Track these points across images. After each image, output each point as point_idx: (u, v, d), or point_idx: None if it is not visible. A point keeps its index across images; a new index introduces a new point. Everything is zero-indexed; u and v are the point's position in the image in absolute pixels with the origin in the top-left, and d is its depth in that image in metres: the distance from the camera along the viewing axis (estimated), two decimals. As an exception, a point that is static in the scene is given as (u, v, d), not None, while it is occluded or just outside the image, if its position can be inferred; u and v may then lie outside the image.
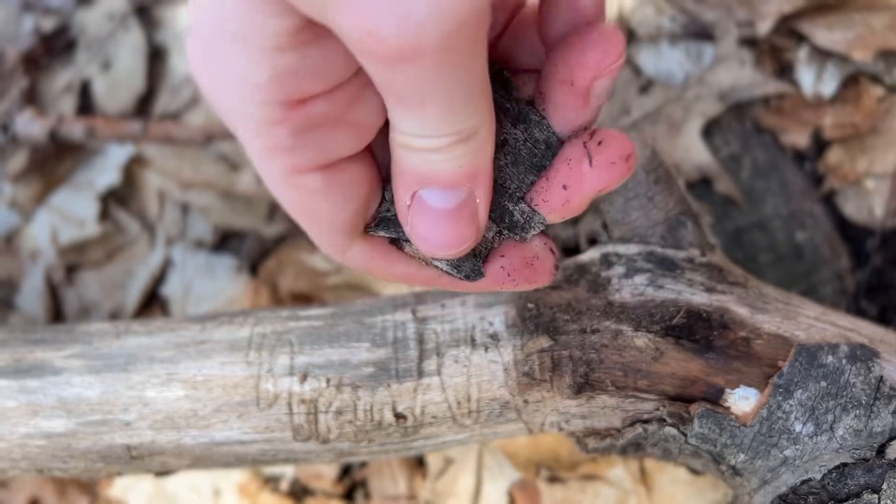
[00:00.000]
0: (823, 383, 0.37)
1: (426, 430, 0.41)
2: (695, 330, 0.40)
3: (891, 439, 0.36)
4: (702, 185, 0.59)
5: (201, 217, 0.66)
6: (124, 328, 0.44)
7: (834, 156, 0.58)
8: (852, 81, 0.58)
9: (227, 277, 0.64)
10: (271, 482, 0.60)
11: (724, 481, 0.41)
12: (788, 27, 0.59)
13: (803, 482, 0.37)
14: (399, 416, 0.41)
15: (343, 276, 0.62)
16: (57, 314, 0.67)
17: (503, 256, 0.31)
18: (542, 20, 0.28)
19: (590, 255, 0.43)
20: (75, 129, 0.64)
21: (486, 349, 0.40)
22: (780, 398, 0.37)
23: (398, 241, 0.30)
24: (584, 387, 0.40)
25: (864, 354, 0.38)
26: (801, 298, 0.43)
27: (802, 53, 0.59)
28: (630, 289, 0.41)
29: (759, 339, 0.39)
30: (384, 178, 0.30)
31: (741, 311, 0.40)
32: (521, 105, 0.29)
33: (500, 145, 0.29)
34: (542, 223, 0.30)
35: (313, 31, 0.23)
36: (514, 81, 0.30)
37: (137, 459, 0.43)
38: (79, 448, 0.42)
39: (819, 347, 0.38)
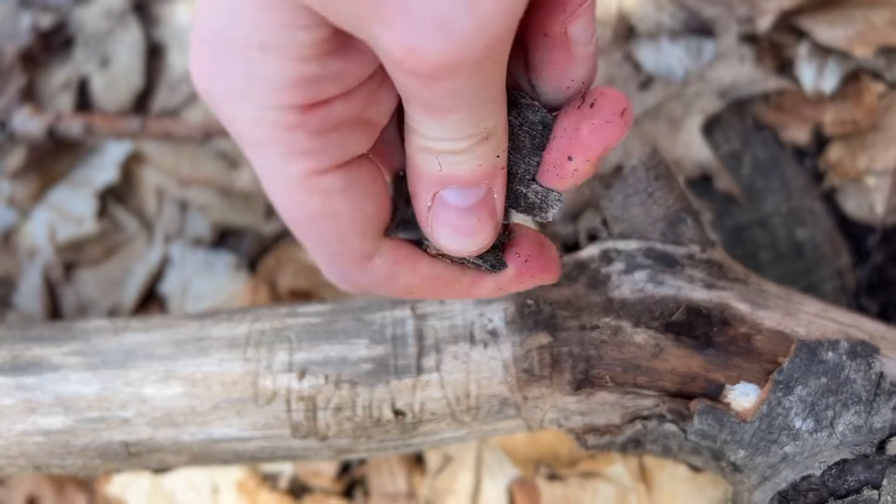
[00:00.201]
0: (824, 379, 0.37)
1: (425, 426, 0.41)
2: (695, 326, 0.39)
3: (891, 435, 0.36)
4: (702, 181, 0.58)
5: (200, 214, 0.66)
6: (122, 325, 0.44)
7: (834, 153, 0.58)
8: (853, 78, 0.58)
9: (226, 275, 0.64)
10: (270, 480, 0.60)
11: (723, 478, 0.41)
12: (789, 23, 0.59)
13: (803, 478, 0.37)
14: (398, 413, 0.41)
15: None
16: (55, 312, 0.67)
17: (516, 249, 0.32)
18: None
19: (589, 251, 0.42)
20: (73, 126, 0.64)
21: (486, 346, 0.40)
22: (781, 394, 0.37)
23: (421, 243, 0.30)
24: (584, 383, 0.40)
25: (864, 351, 0.38)
26: (802, 295, 0.43)
27: (803, 50, 0.59)
28: (630, 285, 0.40)
29: (760, 335, 0.39)
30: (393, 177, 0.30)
31: (741, 308, 0.40)
32: (508, 92, 0.29)
33: None
34: (558, 199, 0.30)
35: (339, 41, 0.23)
36: None
37: (135, 456, 0.43)
38: (77, 445, 0.42)
39: (819, 344, 0.38)
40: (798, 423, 0.37)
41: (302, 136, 0.24)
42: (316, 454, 0.43)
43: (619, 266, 0.41)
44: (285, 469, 0.59)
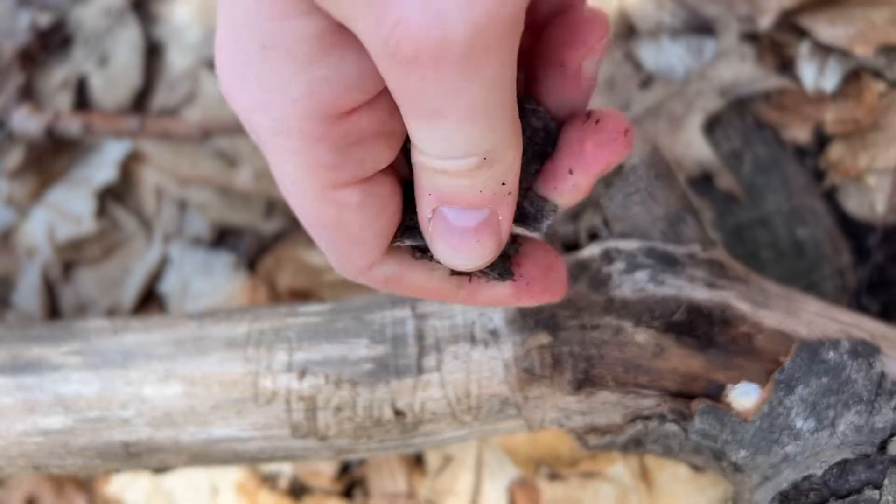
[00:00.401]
0: (825, 379, 0.37)
1: (425, 426, 0.41)
2: (696, 326, 0.39)
3: (892, 435, 0.36)
4: (703, 180, 0.58)
5: (199, 214, 0.66)
6: (122, 325, 0.44)
7: (835, 151, 0.58)
8: (854, 77, 0.58)
9: (225, 274, 0.64)
10: (269, 480, 0.59)
11: (725, 478, 0.41)
12: (790, 22, 0.59)
13: (804, 478, 0.37)
14: (398, 413, 0.40)
15: (342, 273, 0.62)
16: (54, 311, 0.67)
17: (519, 271, 0.31)
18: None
19: (590, 250, 0.42)
20: (72, 125, 0.63)
21: (486, 345, 0.40)
22: (782, 394, 0.37)
23: (425, 251, 0.29)
24: (585, 383, 0.40)
25: (865, 350, 0.37)
26: (803, 294, 0.43)
27: (804, 48, 0.59)
28: (631, 284, 0.40)
29: (761, 334, 0.39)
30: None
31: (742, 307, 0.40)
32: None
33: None
34: (553, 210, 0.29)
35: (342, 36, 0.22)
36: None
37: (135, 456, 0.43)
38: (76, 445, 0.42)
39: (821, 343, 0.38)
40: (799, 423, 0.37)
41: (324, 149, 0.24)
42: (316, 454, 0.43)
43: (619, 265, 0.41)
44: (285, 469, 0.59)
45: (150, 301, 0.66)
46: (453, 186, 0.24)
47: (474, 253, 0.27)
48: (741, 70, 0.58)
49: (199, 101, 0.69)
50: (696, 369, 0.39)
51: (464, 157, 0.23)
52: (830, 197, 0.58)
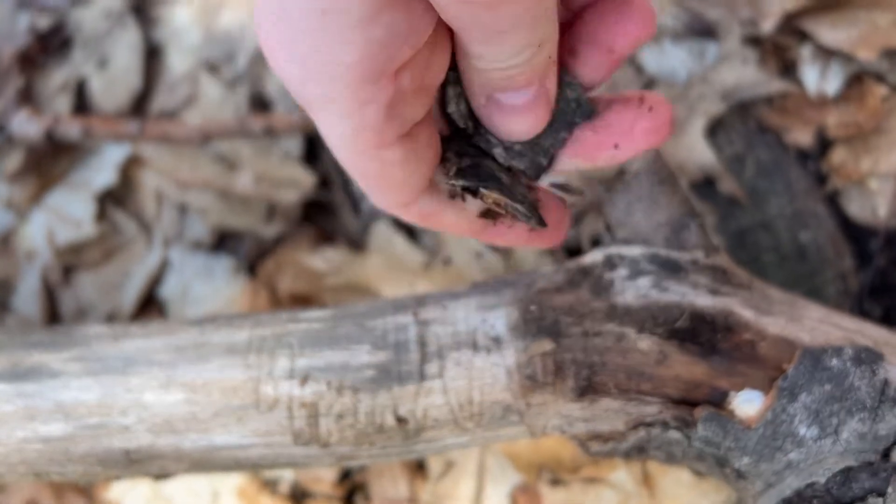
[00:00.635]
0: (828, 386, 0.37)
1: (428, 433, 0.41)
2: (699, 332, 0.39)
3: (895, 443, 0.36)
4: (705, 184, 0.58)
5: (199, 217, 0.66)
6: (122, 331, 0.44)
7: (838, 155, 0.58)
8: (856, 80, 0.58)
9: (226, 278, 0.63)
10: (270, 485, 0.59)
11: (728, 484, 0.41)
12: (792, 25, 0.59)
13: (808, 486, 0.36)
14: (400, 420, 0.40)
15: (343, 277, 0.62)
16: (53, 315, 0.66)
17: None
18: None
19: (593, 256, 0.42)
20: (72, 128, 0.63)
21: (489, 352, 0.40)
22: (785, 401, 0.37)
23: (476, 191, 0.32)
24: (587, 390, 0.39)
25: (868, 357, 0.37)
26: (806, 300, 0.42)
27: (806, 52, 0.59)
28: (633, 291, 0.40)
29: (764, 341, 0.39)
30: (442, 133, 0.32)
31: (746, 314, 0.40)
32: None
33: None
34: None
35: None
36: None
37: (136, 463, 0.42)
38: (77, 452, 0.42)
39: (824, 350, 0.37)
40: (802, 431, 0.37)
41: (372, 111, 0.25)
42: (318, 461, 0.43)
43: (622, 272, 0.41)
44: (286, 474, 0.59)
45: (150, 305, 0.66)
46: (509, 76, 0.27)
47: (529, 121, 0.30)
48: (743, 74, 0.58)
49: (199, 104, 0.69)
50: (699, 376, 0.39)
51: (523, 52, 0.26)
52: (833, 201, 0.58)
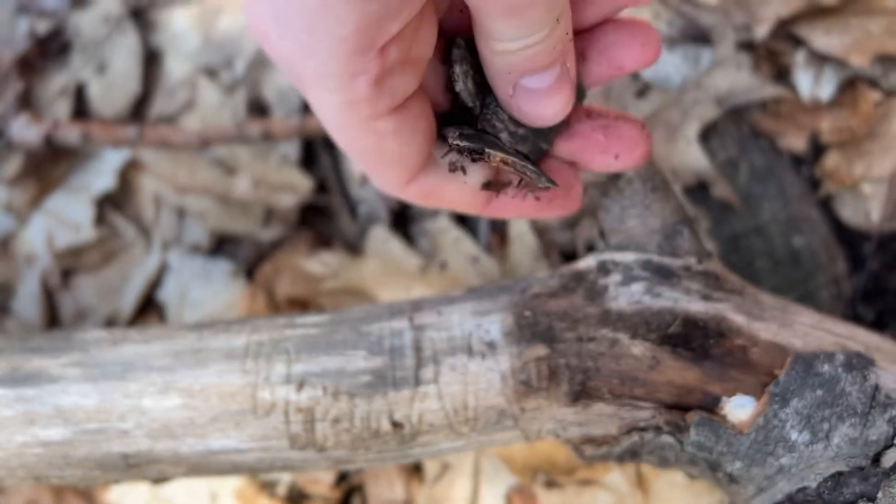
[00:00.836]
0: (819, 392, 0.37)
1: (423, 437, 0.41)
2: (691, 338, 0.40)
3: (886, 448, 0.36)
4: (699, 189, 0.59)
5: (197, 221, 0.66)
6: (121, 336, 0.44)
7: (831, 160, 0.58)
8: (850, 86, 0.58)
9: (224, 282, 0.64)
10: (268, 487, 0.60)
11: (720, 488, 0.42)
12: (786, 31, 0.59)
13: (799, 490, 0.37)
14: (396, 425, 0.41)
15: (340, 281, 0.62)
16: (53, 319, 0.67)
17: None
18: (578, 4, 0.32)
19: (587, 262, 0.43)
20: (71, 134, 0.64)
21: (484, 357, 0.40)
22: (777, 407, 0.37)
23: (482, 152, 0.33)
24: (581, 395, 0.40)
25: (860, 363, 0.38)
26: (798, 306, 0.43)
27: (800, 57, 0.59)
28: (627, 297, 0.41)
29: (756, 347, 0.39)
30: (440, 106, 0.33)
31: (738, 320, 0.40)
32: None
33: None
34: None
35: None
36: None
37: (134, 468, 0.43)
38: (76, 456, 0.42)
39: (815, 356, 0.38)
40: (794, 436, 0.37)
41: (363, 83, 0.26)
42: (314, 465, 0.43)
43: (616, 277, 0.41)
44: (283, 476, 0.60)
45: (149, 308, 0.66)
46: (532, 56, 0.28)
47: (558, 103, 0.31)
48: (737, 79, 0.58)
49: (198, 109, 0.69)
50: (691, 382, 0.39)
51: (543, 27, 0.27)
52: (826, 205, 0.58)
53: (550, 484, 0.55)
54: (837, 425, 0.37)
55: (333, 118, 0.28)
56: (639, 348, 0.40)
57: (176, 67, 0.71)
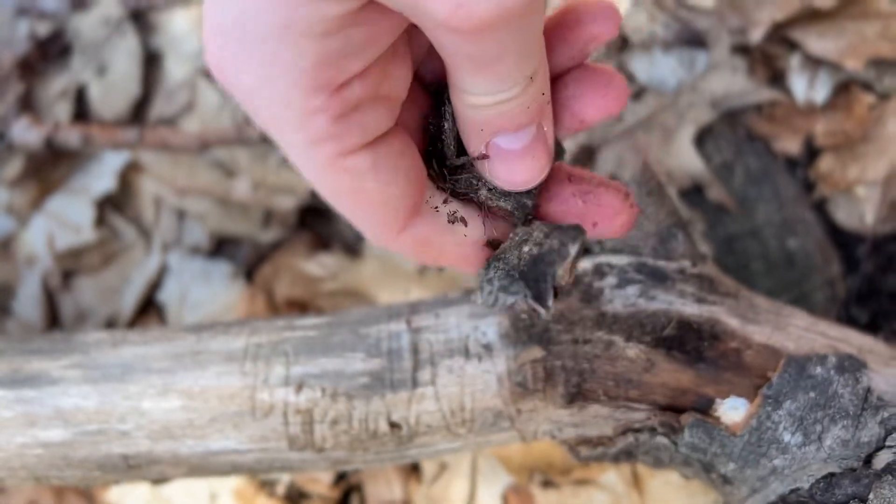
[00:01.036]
0: (812, 394, 0.38)
1: (420, 438, 0.42)
2: (686, 341, 0.40)
3: (878, 449, 0.37)
4: (694, 192, 0.59)
5: (197, 223, 0.67)
6: (121, 338, 0.45)
7: (825, 163, 0.58)
8: (844, 89, 0.59)
9: (223, 284, 0.64)
10: (267, 486, 0.60)
11: (714, 489, 0.42)
12: (781, 35, 0.59)
13: (792, 491, 0.37)
14: (394, 426, 0.41)
15: (339, 283, 0.62)
16: (53, 320, 0.67)
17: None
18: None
19: (582, 265, 0.43)
20: (72, 136, 0.64)
21: (480, 359, 0.41)
22: (770, 409, 0.38)
23: (475, 196, 0.31)
24: (577, 396, 0.40)
25: (852, 365, 0.38)
26: (792, 308, 0.43)
27: (795, 61, 0.59)
28: (622, 299, 0.41)
29: (750, 349, 0.40)
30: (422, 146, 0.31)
31: (732, 322, 0.41)
32: None
33: None
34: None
35: (363, 11, 0.23)
36: None
37: (134, 468, 0.43)
38: (76, 457, 0.43)
39: (808, 359, 0.38)
40: (787, 437, 0.38)
41: (324, 120, 0.25)
42: (312, 466, 0.43)
43: (611, 280, 0.42)
44: (282, 476, 0.60)
45: (148, 310, 0.66)
46: (506, 112, 0.27)
47: (533, 168, 0.29)
48: (732, 82, 0.59)
49: (197, 111, 0.70)
50: (685, 384, 0.40)
51: (514, 85, 0.26)
52: (820, 208, 0.58)
53: (547, 483, 0.55)
54: (830, 427, 0.37)
55: (300, 158, 0.26)
56: (634, 350, 0.40)
57: (176, 69, 0.71)
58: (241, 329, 0.44)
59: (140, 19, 0.74)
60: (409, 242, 0.30)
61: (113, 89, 0.71)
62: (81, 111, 0.72)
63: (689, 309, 0.41)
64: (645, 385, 0.40)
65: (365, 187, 0.27)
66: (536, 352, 0.40)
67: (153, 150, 0.66)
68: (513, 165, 0.29)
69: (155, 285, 0.66)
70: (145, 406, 0.42)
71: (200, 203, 0.66)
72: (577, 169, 0.33)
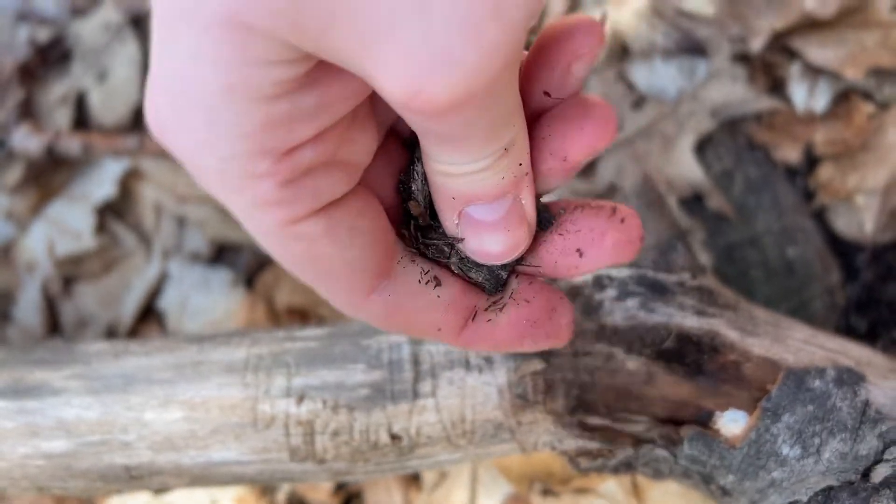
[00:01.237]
0: (811, 407, 0.38)
1: (421, 450, 0.42)
2: (685, 353, 0.40)
3: (876, 462, 0.37)
4: (694, 200, 0.59)
5: (197, 230, 0.67)
6: (123, 348, 0.45)
7: (825, 172, 0.58)
8: (844, 98, 0.59)
9: (224, 291, 0.64)
10: (268, 494, 0.60)
11: (713, 500, 0.42)
12: (781, 44, 0.60)
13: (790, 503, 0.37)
14: (394, 437, 0.41)
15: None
16: (54, 326, 0.67)
17: (525, 313, 0.30)
18: (528, 87, 0.27)
19: (583, 277, 0.43)
20: (72, 144, 0.64)
21: (481, 371, 0.41)
22: (769, 421, 0.38)
23: (446, 263, 0.29)
24: (577, 409, 0.40)
25: (850, 378, 0.38)
26: (791, 320, 0.43)
27: (795, 70, 0.60)
28: (622, 312, 0.41)
29: (749, 362, 0.40)
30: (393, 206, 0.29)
31: (731, 335, 0.41)
32: None
33: None
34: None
35: (315, 75, 0.22)
36: None
37: (137, 479, 0.43)
38: (78, 468, 0.43)
39: (807, 372, 0.38)
40: (785, 450, 0.38)
41: (270, 185, 0.23)
42: (314, 477, 0.43)
43: (611, 293, 0.42)
44: (283, 483, 0.60)
45: (149, 316, 0.67)
46: (477, 182, 0.25)
47: (507, 241, 0.27)
48: (733, 91, 0.59)
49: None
50: (685, 396, 0.40)
51: (485, 157, 0.24)
52: (820, 217, 0.59)
53: (547, 492, 0.55)
54: (828, 440, 0.37)
55: (245, 221, 0.25)
56: (633, 363, 0.40)
57: (176, 76, 0.71)
58: (242, 340, 0.44)
59: (140, 25, 0.74)
60: (377, 309, 0.28)
61: (113, 95, 0.71)
62: (82, 117, 0.72)
63: (689, 321, 0.41)
64: (645, 397, 0.40)
65: (321, 253, 0.25)
66: (537, 364, 0.41)
67: (153, 157, 0.66)
68: (485, 238, 0.27)
69: (155, 292, 0.67)
70: (147, 417, 0.42)
71: (201, 210, 0.67)
72: (550, 202, 0.30)
